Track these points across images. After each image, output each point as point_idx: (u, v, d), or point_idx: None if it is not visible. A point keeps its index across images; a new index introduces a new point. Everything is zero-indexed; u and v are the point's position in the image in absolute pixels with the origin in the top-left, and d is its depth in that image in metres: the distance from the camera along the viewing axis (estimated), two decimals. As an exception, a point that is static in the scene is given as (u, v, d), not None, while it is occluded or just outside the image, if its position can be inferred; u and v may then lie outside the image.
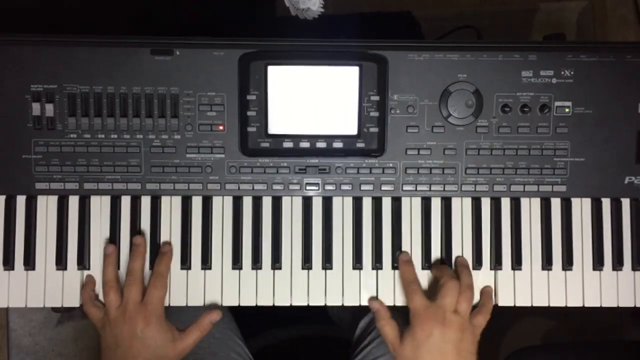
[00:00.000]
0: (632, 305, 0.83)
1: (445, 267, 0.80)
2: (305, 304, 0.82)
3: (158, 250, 0.81)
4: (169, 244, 0.81)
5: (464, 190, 0.82)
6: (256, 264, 0.81)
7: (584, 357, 1.05)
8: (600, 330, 1.44)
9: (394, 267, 0.82)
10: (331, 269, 0.82)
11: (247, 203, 0.82)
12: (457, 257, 0.82)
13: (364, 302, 0.82)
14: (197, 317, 0.80)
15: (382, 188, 0.82)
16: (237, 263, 0.81)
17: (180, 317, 0.91)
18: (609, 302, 0.83)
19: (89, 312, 0.79)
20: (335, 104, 0.80)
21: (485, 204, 0.83)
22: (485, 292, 0.81)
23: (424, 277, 0.82)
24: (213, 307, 0.81)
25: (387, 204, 0.83)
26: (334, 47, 0.80)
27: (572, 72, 0.80)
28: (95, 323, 0.78)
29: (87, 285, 0.80)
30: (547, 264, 0.82)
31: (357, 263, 0.82)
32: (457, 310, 0.74)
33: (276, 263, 0.81)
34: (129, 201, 0.81)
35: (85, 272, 0.81)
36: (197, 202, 0.82)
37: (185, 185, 0.81)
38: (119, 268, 0.81)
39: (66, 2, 1.09)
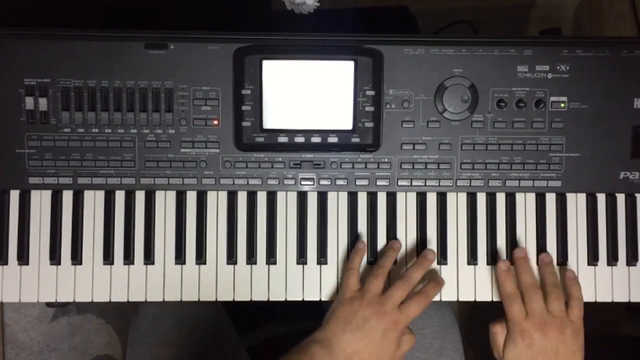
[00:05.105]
0: (627, 300, 0.83)
1: (524, 270, 0.78)
2: (300, 299, 0.82)
3: (153, 244, 0.81)
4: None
5: (459, 186, 0.82)
6: (251, 259, 0.81)
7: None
8: (595, 325, 1.45)
9: (389, 262, 0.82)
10: (326, 264, 0.82)
11: (242, 198, 0.82)
12: (540, 254, 0.81)
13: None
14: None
15: (377, 183, 0.82)
16: (231, 258, 0.81)
17: (174, 313, 0.91)
18: (604, 297, 0.83)
19: (351, 279, 0.77)
20: (330, 98, 0.80)
21: (481, 199, 0.83)
22: (568, 278, 0.79)
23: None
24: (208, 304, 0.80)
25: (382, 199, 0.82)
26: (329, 42, 0.80)
27: (567, 67, 0.80)
28: (345, 291, 0.76)
29: (362, 252, 0.79)
30: (542, 259, 0.82)
31: (352, 258, 0.82)
32: (551, 311, 0.74)
33: (271, 258, 0.81)
34: (123, 196, 0.81)
35: (78, 267, 0.80)
36: (191, 197, 0.81)
37: (179, 180, 0.81)
38: (127, 259, 0.80)
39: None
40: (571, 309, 0.76)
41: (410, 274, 0.77)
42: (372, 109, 0.80)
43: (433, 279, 0.78)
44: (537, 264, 0.82)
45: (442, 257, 0.82)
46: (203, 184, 0.81)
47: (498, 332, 0.77)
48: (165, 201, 0.81)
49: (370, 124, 0.80)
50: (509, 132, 0.81)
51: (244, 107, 0.80)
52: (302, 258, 0.82)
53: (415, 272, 0.77)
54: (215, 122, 0.80)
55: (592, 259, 0.82)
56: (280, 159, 0.81)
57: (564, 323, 0.74)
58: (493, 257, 0.82)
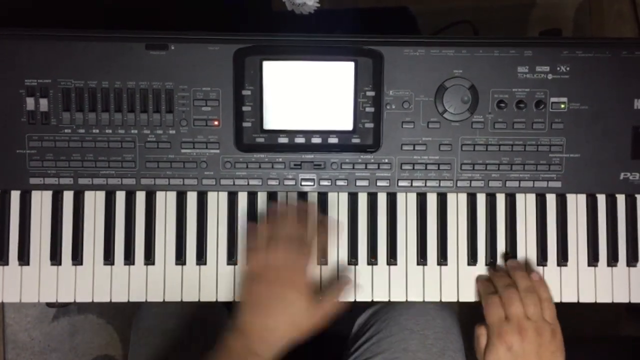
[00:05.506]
0: (627, 301, 0.83)
1: (499, 275, 0.79)
2: (301, 299, 0.82)
3: (153, 244, 0.81)
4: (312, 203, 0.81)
5: (459, 186, 0.82)
6: (251, 259, 0.81)
7: (579, 352, 1.05)
8: (595, 325, 1.45)
9: (389, 263, 0.82)
10: (326, 264, 0.82)
11: (242, 198, 0.82)
12: (507, 261, 0.82)
13: (359, 298, 0.82)
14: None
15: (378, 184, 0.82)
16: (232, 259, 0.81)
17: (175, 313, 0.91)
18: (604, 297, 0.83)
19: (254, 259, 0.76)
20: (330, 99, 0.80)
21: (481, 200, 0.83)
22: (534, 281, 0.79)
23: (419, 273, 0.82)
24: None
25: (382, 199, 0.82)
26: (330, 43, 0.80)
27: (567, 68, 0.80)
28: (249, 272, 0.76)
29: (252, 229, 0.79)
30: (542, 260, 0.82)
31: (353, 258, 0.82)
32: (527, 315, 0.75)
33: (271, 259, 0.81)
34: (123, 196, 0.81)
35: (79, 268, 0.81)
36: (192, 198, 0.82)
37: (180, 180, 0.81)
38: (128, 259, 0.81)
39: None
40: (544, 311, 0.76)
41: (287, 233, 0.76)
42: (372, 109, 0.80)
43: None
44: (537, 265, 0.82)
45: (442, 258, 0.82)
46: (203, 184, 0.81)
47: (481, 334, 0.77)
48: (166, 202, 0.82)
49: (370, 125, 0.81)
50: (509, 132, 0.81)
51: (244, 108, 0.80)
52: (302, 258, 0.81)
53: (290, 228, 0.76)
54: (216, 122, 0.80)
55: (592, 260, 0.82)
56: (280, 160, 0.81)
57: (541, 326, 0.74)
58: (493, 258, 0.82)
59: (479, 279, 0.82)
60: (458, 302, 0.82)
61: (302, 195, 0.82)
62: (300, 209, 0.79)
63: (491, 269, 0.82)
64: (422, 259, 0.82)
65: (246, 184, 0.81)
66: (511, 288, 0.76)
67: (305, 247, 0.76)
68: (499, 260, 0.82)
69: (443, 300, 0.82)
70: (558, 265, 0.83)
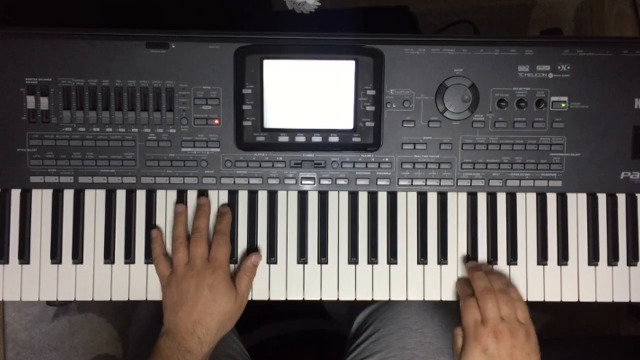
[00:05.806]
0: (627, 300, 0.83)
1: (476, 276, 0.79)
2: (301, 298, 0.82)
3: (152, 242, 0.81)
4: (227, 205, 0.82)
5: (459, 185, 0.82)
6: (251, 258, 0.81)
7: (579, 351, 1.05)
8: (595, 325, 1.45)
9: (390, 262, 0.82)
10: (327, 263, 0.82)
11: (243, 197, 0.82)
12: (468, 263, 0.82)
13: (360, 297, 0.82)
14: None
15: (378, 183, 0.82)
16: (232, 257, 0.81)
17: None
18: (604, 297, 0.83)
19: (159, 267, 0.79)
20: (331, 98, 0.80)
21: (481, 199, 0.83)
22: (504, 283, 0.79)
23: (419, 272, 0.82)
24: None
25: (382, 198, 0.82)
26: (330, 41, 0.80)
27: (568, 67, 0.80)
28: (161, 279, 0.79)
29: (157, 238, 0.80)
30: (542, 259, 0.82)
31: (353, 257, 0.82)
32: (502, 316, 0.74)
33: (271, 257, 0.81)
34: (124, 195, 0.81)
35: (79, 266, 0.81)
36: (192, 196, 0.82)
37: (180, 179, 0.81)
38: (128, 258, 0.81)
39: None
40: (517, 312, 0.75)
41: (197, 225, 0.79)
42: (372, 108, 0.80)
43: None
44: (537, 264, 0.82)
45: (443, 257, 0.82)
46: (204, 183, 0.81)
47: (458, 335, 0.77)
48: (166, 200, 0.82)
49: (371, 124, 0.81)
50: (509, 131, 0.81)
51: (244, 107, 0.80)
52: (302, 257, 0.82)
53: (201, 221, 0.79)
54: (216, 121, 0.80)
55: (593, 259, 0.82)
56: (281, 159, 0.81)
57: (515, 327, 0.74)
58: (494, 257, 0.82)
59: (459, 281, 0.81)
60: (458, 301, 0.82)
61: (303, 194, 0.82)
62: (199, 204, 0.81)
63: (470, 268, 0.81)
64: (422, 258, 0.82)
65: (246, 182, 0.81)
66: (487, 290, 0.76)
67: (221, 237, 0.79)
68: (499, 260, 0.82)
69: (443, 299, 0.82)
70: (558, 264, 0.82)
